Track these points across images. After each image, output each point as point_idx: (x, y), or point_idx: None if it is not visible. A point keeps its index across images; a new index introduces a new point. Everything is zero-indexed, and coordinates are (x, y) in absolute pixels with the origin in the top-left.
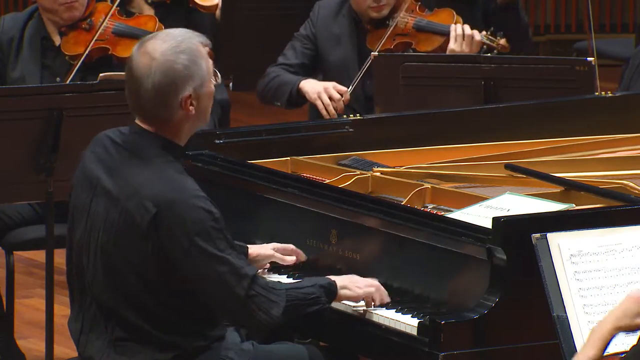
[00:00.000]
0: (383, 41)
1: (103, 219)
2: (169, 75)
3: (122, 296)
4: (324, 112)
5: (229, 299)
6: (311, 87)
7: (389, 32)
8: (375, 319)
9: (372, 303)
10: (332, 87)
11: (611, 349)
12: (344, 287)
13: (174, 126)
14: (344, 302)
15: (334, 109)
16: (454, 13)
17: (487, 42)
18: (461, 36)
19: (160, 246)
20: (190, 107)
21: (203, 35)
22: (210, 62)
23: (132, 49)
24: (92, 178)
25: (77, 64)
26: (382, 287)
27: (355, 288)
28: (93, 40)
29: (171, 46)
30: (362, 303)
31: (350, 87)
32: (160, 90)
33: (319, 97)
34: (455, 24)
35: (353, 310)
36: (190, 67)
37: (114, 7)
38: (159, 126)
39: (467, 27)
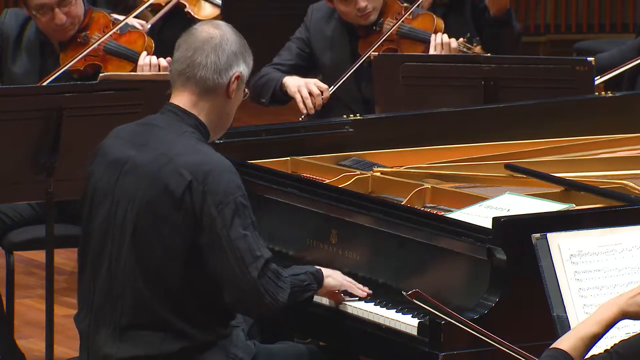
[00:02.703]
0: (374, 48)
1: (132, 193)
2: (233, 47)
3: (144, 276)
4: (301, 105)
5: (241, 277)
6: (293, 81)
7: (381, 40)
8: (375, 319)
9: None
10: (313, 84)
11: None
12: (328, 276)
13: (212, 105)
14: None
15: (312, 104)
16: (434, 17)
17: (464, 49)
18: (440, 44)
19: (192, 215)
20: (232, 91)
21: None
22: None
23: (192, 28)
24: (118, 160)
25: (60, 69)
26: (357, 284)
27: (339, 277)
28: (83, 54)
29: (233, 29)
30: (363, 302)
31: (332, 87)
32: (224, 57)
33: (299, 91)
34: (435, 30)
35: (353, 310)
36: (245, 49)
37: (113, 30)
38: (200, 97)
39: (445, 36)
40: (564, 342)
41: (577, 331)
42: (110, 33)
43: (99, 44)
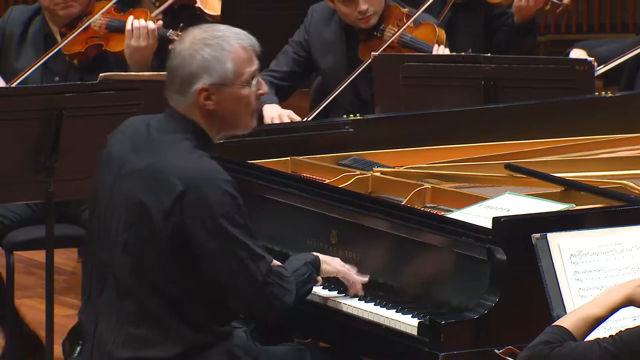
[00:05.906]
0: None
1: (125, 198)
2: (186, 63)
3: (142, 283)
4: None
5: (247, 284)
6: (268, 112)
7: (384, 47)
8: (375, 319)
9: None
10: (287, 115)
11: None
12: (324, 262)
13: (200, 116)
14: (344, 301)
15: None
16: (436, 28)
17: None
18: None
19: (181, 225)
20: (207, 102)
21: (253, 39)
22: (250, 67)
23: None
24: (117, 159)
25: (57, 46)
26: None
27: (335, 264)
28: (81, 28)
29: (204, 37)
30: (363, 302)
31: (310, 116)
32: (178, 75)
33: (271, 122)
34: (438, 42)
35: (353, 310)
36: (209, 62)
37: (109, 5)
38: (188, 111)
39: (446, 50)
40: (566, 320)
41: (580, 311)
42: (108, 6)
43: (99, 25)
